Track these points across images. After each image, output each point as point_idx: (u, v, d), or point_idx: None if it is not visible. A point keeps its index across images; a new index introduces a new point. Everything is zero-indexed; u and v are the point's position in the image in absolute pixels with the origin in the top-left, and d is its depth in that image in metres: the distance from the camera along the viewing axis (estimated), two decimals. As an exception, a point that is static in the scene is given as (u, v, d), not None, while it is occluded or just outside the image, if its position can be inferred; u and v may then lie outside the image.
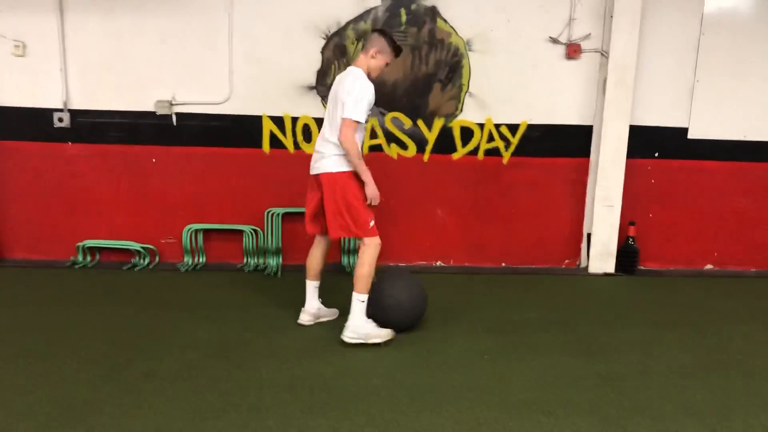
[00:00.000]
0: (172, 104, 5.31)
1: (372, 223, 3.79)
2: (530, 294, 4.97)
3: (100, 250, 5.52)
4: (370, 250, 3.78)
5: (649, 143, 5.61)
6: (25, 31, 5.17)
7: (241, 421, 2.83)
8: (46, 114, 5.27)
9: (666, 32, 5.42)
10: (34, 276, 5.07)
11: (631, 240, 5.61)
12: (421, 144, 5.52)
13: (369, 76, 3.79)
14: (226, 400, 3.02)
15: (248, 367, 3.41)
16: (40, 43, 5.19)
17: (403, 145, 5.52)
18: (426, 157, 5.54)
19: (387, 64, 3.86)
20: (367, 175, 3.73)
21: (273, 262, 5.53)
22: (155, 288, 4.85)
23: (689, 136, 5.61)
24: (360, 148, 3.72)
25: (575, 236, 5.75)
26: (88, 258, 5.47)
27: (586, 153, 5.59)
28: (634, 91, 5.37)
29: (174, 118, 5.34)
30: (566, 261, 5.79)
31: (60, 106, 5.27)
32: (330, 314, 4.19)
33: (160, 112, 5.30)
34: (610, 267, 5.61)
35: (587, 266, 5.67)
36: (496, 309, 4.55)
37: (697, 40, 5.45)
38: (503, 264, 5.78)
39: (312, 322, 4.08)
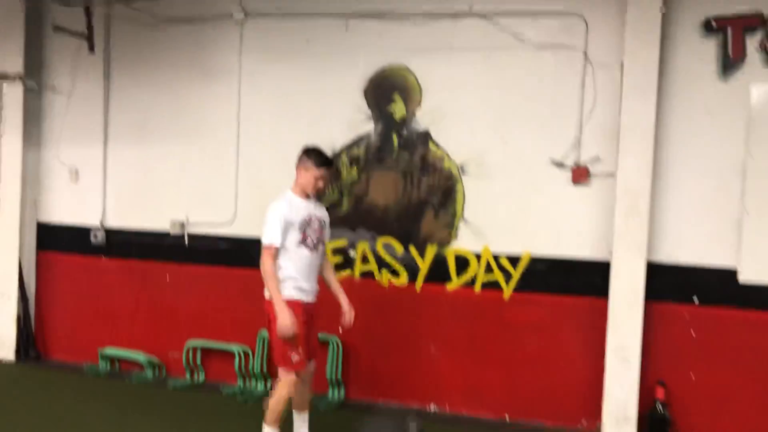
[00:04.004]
0: (184, 225, 5.66)
1: (295, 358, 3.59)
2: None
3: (118, 358, 5.89)
4: (281, 388, 3.62)
5: (684, 286, 4.56)
6: (78, 160, 5.99)
7: None
8: (85, 231, 5.94)
9: (693, 153, 4.51)
10: (49, 378, 5.57)
11: (659, 405, 4.47)
12: (413, 272, 5.14)
13: (303, 192, 3.81)
14: None
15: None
16: (88, 170, 5.96)
17: (394, 273, 5.18)
18: (418, 286, 5.12)
19: (318, 179, 3.82)
20: (279, 304, 3.57)
21: (259, 386, 5.38)
22: (118, 402, 5.04)
23: (740, 280, 4.46)
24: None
25: (594, 392, 4.74)
26: (107, 365, 5.84)
27: (603, 293, 4.71)
28: (650, 221, 4.47)
29: (186, 237, 5.67)
30: (583, 421, 4.79)
31: (97, 225, 5.92)
32: None
33: (173, 231, 5.68)
34: (629, 436, 4.50)
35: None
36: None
37: (742, 163, 4.44)
38: (506, 415, 4.95)
39: None
